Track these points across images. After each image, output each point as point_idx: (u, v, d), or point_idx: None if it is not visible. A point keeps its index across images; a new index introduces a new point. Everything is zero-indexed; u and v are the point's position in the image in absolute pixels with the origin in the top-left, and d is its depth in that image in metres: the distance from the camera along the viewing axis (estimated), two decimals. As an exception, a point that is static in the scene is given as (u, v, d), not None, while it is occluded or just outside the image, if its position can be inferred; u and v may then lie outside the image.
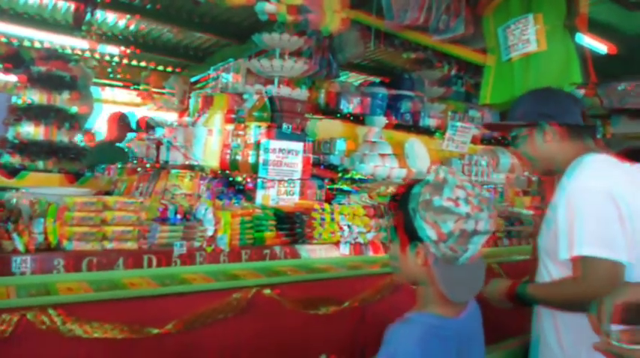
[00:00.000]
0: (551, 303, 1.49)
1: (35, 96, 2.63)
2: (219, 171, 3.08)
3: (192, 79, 5.51)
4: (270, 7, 2.55)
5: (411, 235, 1.10)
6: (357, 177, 3.50)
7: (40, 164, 2.61)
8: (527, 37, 2.36)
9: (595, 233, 1.34)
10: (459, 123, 4.39)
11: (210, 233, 2.30)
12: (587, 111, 1.52)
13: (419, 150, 4.52)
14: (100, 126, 4.59)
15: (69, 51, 4.52)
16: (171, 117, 5.18)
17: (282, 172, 2.93)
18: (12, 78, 2.74)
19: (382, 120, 4.23)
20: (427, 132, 4.62)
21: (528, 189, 4.79)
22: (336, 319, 2.32)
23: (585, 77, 2.34)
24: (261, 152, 2.89)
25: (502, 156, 5.02)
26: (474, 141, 4.64)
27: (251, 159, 2.98)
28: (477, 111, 4.91)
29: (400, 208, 1.13)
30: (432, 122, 4.57)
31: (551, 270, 1.51)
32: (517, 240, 3.80)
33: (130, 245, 2.13)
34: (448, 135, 4.34)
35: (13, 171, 2.52)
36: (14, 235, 1.92)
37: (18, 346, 1.64)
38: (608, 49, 3.62)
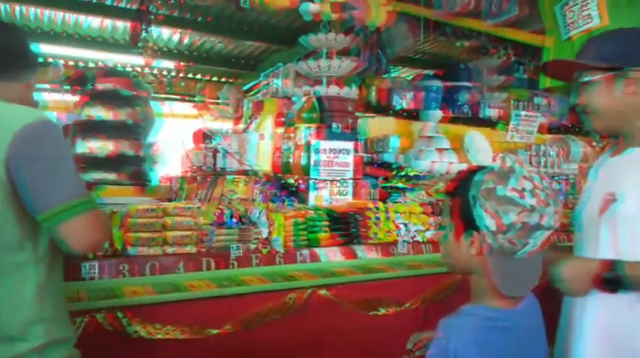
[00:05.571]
0: None
1: (100, 113, 2.77)
2: (272, 175, 3.11)
3: (245, 88, 5.65)
4: (313, 7, 2.55)
5: (467, 223, 1.05)
6: (412, 174, 3.39)
7: (112, 177, 2.73)
8: (588, 12, 2.18)
9: None
10: (523, 112, 4.15)
11: (264, 235, 2.32)
12: None
13: (480, 143, 4.33)
14: (163, 138, 4.84)
15: (129, 68, 4.81)
16: (228, 126, 5.34)
17: (334, 172, 2.90)
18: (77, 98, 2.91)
19: (438, 114, 4.09)
20: (488, 123, 4.43)
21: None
22: (396, 320, 2.25)
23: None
24: (312, 153, 2.89)
25: (573, 145, 4.68)
26: (541, 130, 4.35)
27: (302, 161, 2.98)
28: (543, 98, 4.61)
29: (458, 194, 1.08)
30: (493, 113, 4.37)
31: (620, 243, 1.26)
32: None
33: (190, 249, 2.20)
34: (512, 126, 4.10)
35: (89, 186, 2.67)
36: (83, 243, 2.03)
37: (87, 346, 1.73)
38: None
